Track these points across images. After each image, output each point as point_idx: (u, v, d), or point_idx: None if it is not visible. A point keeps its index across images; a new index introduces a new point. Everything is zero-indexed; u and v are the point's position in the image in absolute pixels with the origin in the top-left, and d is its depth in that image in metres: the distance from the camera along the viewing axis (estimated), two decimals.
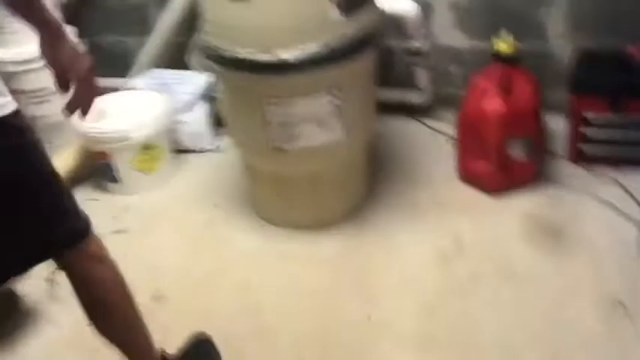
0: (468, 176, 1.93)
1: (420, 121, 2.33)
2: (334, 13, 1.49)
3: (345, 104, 1.62)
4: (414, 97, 2.30)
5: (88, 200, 2.15)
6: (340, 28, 1.51)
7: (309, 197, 1.80)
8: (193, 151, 2.33)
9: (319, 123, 1.62)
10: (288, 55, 1.49)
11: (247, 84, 1.58)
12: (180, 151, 2.32)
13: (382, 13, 1.67)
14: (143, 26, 2.58)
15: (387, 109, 2.32)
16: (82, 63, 1.05)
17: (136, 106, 2.15)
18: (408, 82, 2.28)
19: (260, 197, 1.89)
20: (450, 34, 2.22)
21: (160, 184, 2.16)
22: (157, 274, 1.77)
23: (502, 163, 1.82)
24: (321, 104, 1.60)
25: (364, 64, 1.65)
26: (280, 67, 1.50)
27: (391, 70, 2.32)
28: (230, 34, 1.54)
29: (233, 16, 1.50)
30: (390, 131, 2.29)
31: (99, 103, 1.17)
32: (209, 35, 1.61)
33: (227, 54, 1.55)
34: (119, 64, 2.67)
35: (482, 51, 2.19)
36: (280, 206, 1.84)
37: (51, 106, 2.26)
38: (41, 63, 2.11)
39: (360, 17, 1.55)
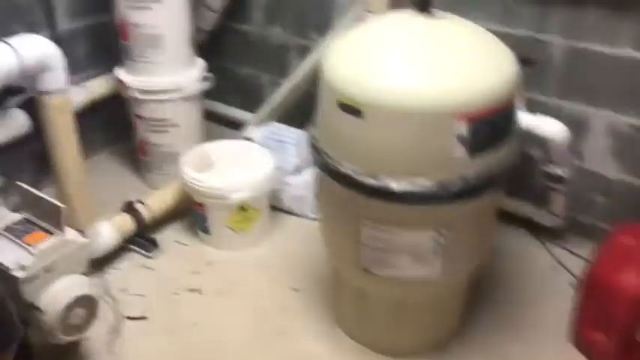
0: (582, 343, 1.63)
1: (544, 245, 2.04)
2: (458, 152, 1.28)
3: (451, 243, 1.42)
4: (544, 218, 2.02)
5: (177, 243, 2.12)
6: (462, 167, 1.31)
7: (390, 321, 1.61)
8: (293, 214, 2.23)
9: (416, 257, 1.43)
10: (394, 184, 1.31)
11: (346, 198, 1.42)
12: (280, 209, 2.23)
13: (518, 149, 1.44)
14: (280, 68, 2.51)
15: (509, 219, 2.07)
16: None
17: (244, 162, 2.07)
18: (541, 200, 2.00)
19: (341, 303, 1.73)
20: (602, 161, 1.91)
21: (251, 244, 2.08)
22: (216, 356, 1.68)
23: (626, 346, 1.51)
24: (422, 239, 1.40)
25: (484, 205, 1.43)
26: (384, 194, 1.33)
27: (524, 180, 2.05)
28: (338, 144, 1.39)
29: (344, 127, 1.34)
30: (506, 247, 2.03)
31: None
32: (318, 134, 1.47)
33: (331, 163, 1.39)
34: (249, 98, 2.63)
35: (637, 189, 1.87)
36: (359, 321, 1.67)
37: (168, 137, 2.26)
38: (166, 95, 2.17)
39: (489, 156, 1.33)
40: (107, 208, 2.11)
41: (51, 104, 1.64)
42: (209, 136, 2.44)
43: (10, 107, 2.03)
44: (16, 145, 2.10)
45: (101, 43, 2.39)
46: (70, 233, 1.50)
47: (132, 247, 2.05)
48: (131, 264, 2.02)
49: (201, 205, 2.00)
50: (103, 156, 2.56)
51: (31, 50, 1.53)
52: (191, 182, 1.98)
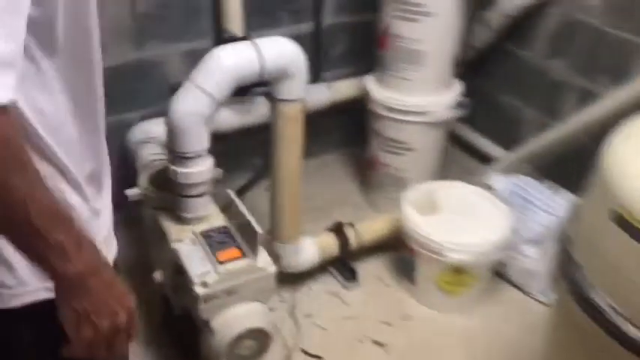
0: None
1: None
2: None
3: None
4: None
5: (378, 280, 1.91)
6: None
7: None
8: (517, 288, 1.86)
9: None
10: None
11: (593, 337, 1.04)
12: (502, 277, 1.88)
13: None
14: (551, 107, 2.12)
15: None
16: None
17: (476, 216, 1.76)
18: None
19: None
20: None
21: (457, 310, 1.78)
22: None
23: None
24: None
25: None
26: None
27: None
28: (599, 264, 1.02)
29: (617, 249, 0.97)
30: None
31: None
32: (574, 237, 1.11)
33: (584, 285, 1.03)
34: (505, 131, 2.29)
35: None
36: None
37: (401, 160, 2.05)
38: (410, 117, 1.94)
39: None
40: (319, 215, 2.03)
41: (282, 111, 1.52)
42: (448, 166, 2.19)
43: (255, 95, 1.98)
44: (253, 132, 2.06)
45: (357, 43, 2.25)
46: (263, 259, 1.37)
47: (331, 270, 1.90)
48: (324, 288, 1.87)
49: (413, 251, 1.76)
50: (332, 157, 2.45)
51: (276, 56, 1.40)
52: (408, 224, 1.73)
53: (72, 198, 0.75)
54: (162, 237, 1.50)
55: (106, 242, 0.85)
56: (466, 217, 1.76)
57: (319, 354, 1.66)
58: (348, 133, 2.41)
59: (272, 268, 1.38)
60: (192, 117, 1.35)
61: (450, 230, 1.70)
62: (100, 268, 0.70)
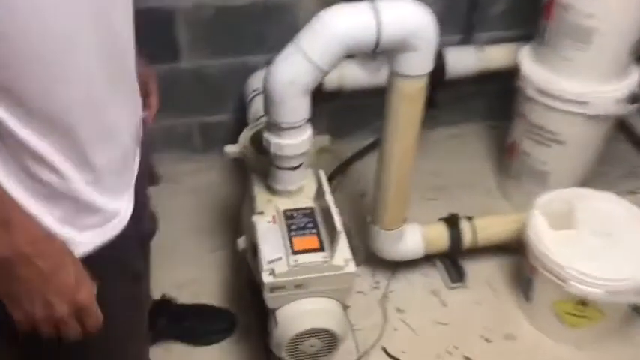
0: None
1: None
2: None
3: None
4: None
5: (488, 286, 1.68)
6: None
7: None
8: None
9: None
10: None
11: None
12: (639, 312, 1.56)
13: None
14: None
15: None
16: None
17: (618, 241, 1.44)
18: None
19: None
20: None
21: (575, 343, 1.51)
22: None
23: None
24: None
25: None
26: None
27: None
28: None
29: None
30: None
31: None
32: None
33: None
34: None
35: None
36: None
37: (546, 152, 1.75)
38: (564, 105, 1.61)
39: None
40: (441, 195, 1.90)
41: (398, 87, 1.30)
42: (607, 160, 1.84)
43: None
44: (382, 91, 1.86)
45: (522, 4, 1.90)
46: (341, 256, 1.20)
47: (436, 262, 1.70)
48: (424, 282, 1.68)
49: (532, 267, 1.49)
50: (471, 128, 2.17)
51: (398, 24, 1.17)
52: (533, 237, 1.46)
53: (44, 174, 0.63)
54: (250, 202, 1.40)
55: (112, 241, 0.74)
56: (607, 240, 1.45)
57: (400, 357, 1.50)
58: (494, 103, 2.11)
59: (350, 268, 1.21)
60: (289, 86, 1.19)
61: (583, 254, 1.40)
62: (32, 257, 0.60)
